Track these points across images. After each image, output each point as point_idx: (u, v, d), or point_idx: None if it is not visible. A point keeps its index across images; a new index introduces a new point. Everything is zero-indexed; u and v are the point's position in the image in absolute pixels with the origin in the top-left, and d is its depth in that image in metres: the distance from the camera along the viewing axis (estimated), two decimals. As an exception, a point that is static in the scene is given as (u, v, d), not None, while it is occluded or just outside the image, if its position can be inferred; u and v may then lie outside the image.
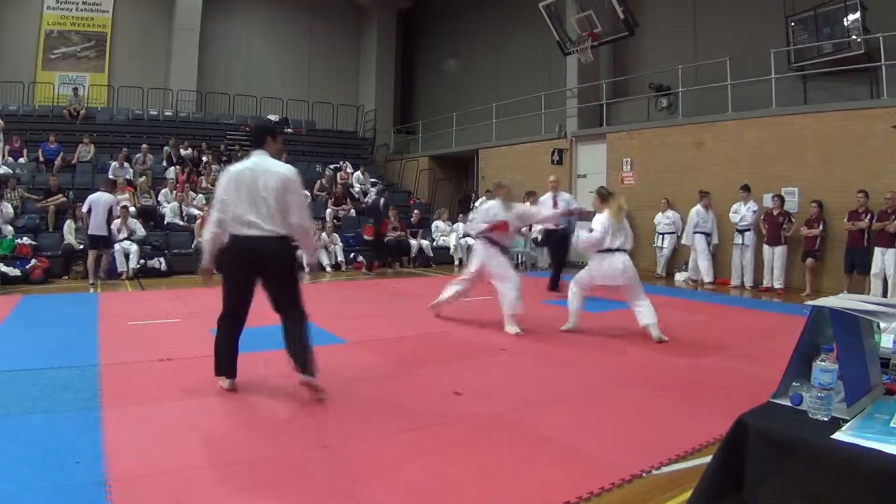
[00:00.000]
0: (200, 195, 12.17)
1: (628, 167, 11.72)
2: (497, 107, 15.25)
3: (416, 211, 13.66)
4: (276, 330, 3.66)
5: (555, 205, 8.13)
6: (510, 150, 14.57)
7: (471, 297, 6.23)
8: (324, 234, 11.41)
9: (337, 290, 9.45)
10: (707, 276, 9.50)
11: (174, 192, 11.96)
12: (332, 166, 15.22)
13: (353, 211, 13.57)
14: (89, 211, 8.90)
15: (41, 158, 12.75)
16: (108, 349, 4.78)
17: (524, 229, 8.63)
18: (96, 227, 8.85)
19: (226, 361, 3.69)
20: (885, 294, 7.45)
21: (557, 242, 8.55)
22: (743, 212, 9.19)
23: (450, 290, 6.09)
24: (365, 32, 20.05)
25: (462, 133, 16.65)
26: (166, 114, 16.23)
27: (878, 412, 1.68)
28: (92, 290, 8.51)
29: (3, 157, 12.23)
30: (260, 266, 3.57)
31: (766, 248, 8.95)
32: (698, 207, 9.58)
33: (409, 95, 21.25)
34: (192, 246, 10.22)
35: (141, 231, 10.33)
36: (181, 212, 11.53)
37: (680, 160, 10.77)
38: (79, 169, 12.79)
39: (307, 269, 3.80)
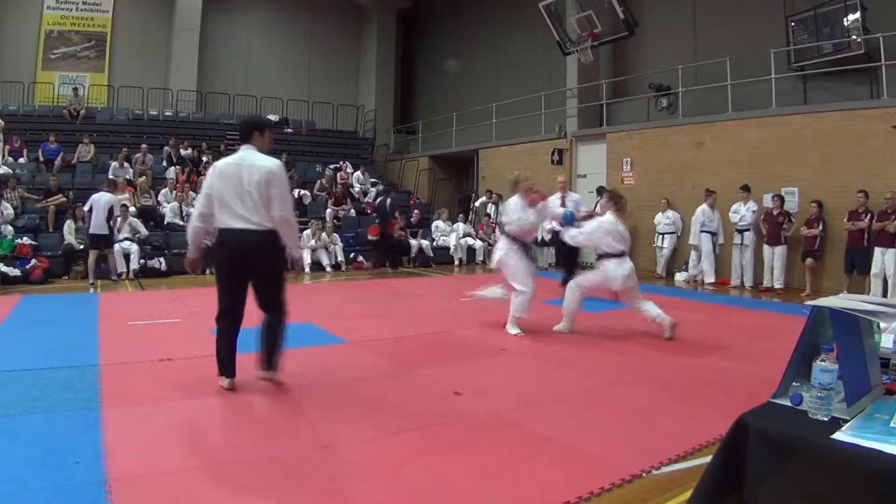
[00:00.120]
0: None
1: (628, 167, 11.72)
2: (497, 107, 15.25)
3: (416, 211, 13.65)
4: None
5: (563, 205, 8.13)
6: (510, 150, 14.57)
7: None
8: (324, 234, 11.42)
9: (337, 290, 9.45)
10: (708, 277, 9.51)
11: (174, 192, 11.96)
12: (332, 166, 15.22)
13: (353, 211, 13.57)
14: (91, 210, 8.93)
15: (41, 158, 12.75)
16: (108, 349, 4.78)
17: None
18: (97, 226, 8.87)
19: (225, 360, 3.70)
20: (885, 294, 7.45)
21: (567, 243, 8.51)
22: (742, 212, 9.19)
23: (495, 292, 5.96)
24: (365, 32, 20.05)
25: (462, 133, 16.65)
26: (166, 114, 16.23)
27: (878, 412, 1.68)
28: (92, 290, 8.51)
29: (3, 157, 12.23)
30: (248, 259, 3.61)
31: (766, 248, 8.95)
32: (704, 207, 9.56)
33: (409, 95, 21.25)
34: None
35: (144, 231, 10.36)
36: (181, 212, 11.51)
37: (680, 160, 10.77)
38: (79, 169, 12.80)
39: (290, 266, 3.81)
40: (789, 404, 1.75)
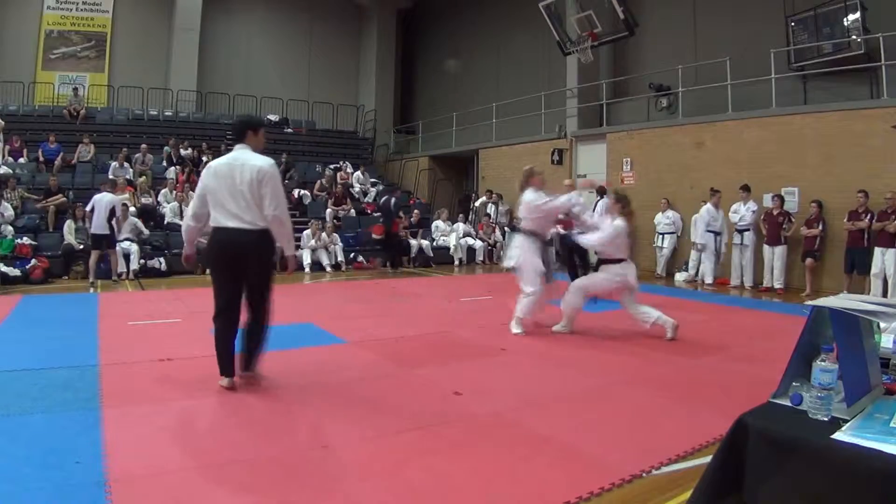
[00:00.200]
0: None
1: (628, 167, 11.72)
2: (497, 107, 15.26)
3: (416, 211, 13.66)
4: (278, 330, 3.66)
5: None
6: (510, 150, 14.57)
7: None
8: (324, 234, 11.42)
9: (337, 290, 9.45)
10: (708, 277, 9.50)
11: (174, 192, 11.96)
12: (332, 166, 15.23)
13: (353, 211, 13.58)
14: (92, 210, 8.92)
15: (41, 158, 12.74)
16: (108, 349, 4.78)
17: None
18: (98, 226, 8.86)
19: (224, 360, 3.70)
20: (885, 294, 7.45)
21: (576, 244, 8.50)
22: (742, 212, 9.19)
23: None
24: (365, 32, 20.05)
25: (462, 133, 16.66)
26: (166, 114, 16.22)
27: (878, 412, 1.68)
28: (92, 290, 8.51)
29: (3, 157, 12.23)
30: (242, 258, 3.62)
31: (765, 248, 8.95)
32: (708, 206, 9.53)
33: (409, 95, 21.25)
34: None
35: (146, 231, 10.38)
36: (181, 212, 11.51)
37: (680, 160, 10.77)
38: (79, 169, 12.79)
39: (285, 265, 3.82)
40: (789, 404, 1.75)
